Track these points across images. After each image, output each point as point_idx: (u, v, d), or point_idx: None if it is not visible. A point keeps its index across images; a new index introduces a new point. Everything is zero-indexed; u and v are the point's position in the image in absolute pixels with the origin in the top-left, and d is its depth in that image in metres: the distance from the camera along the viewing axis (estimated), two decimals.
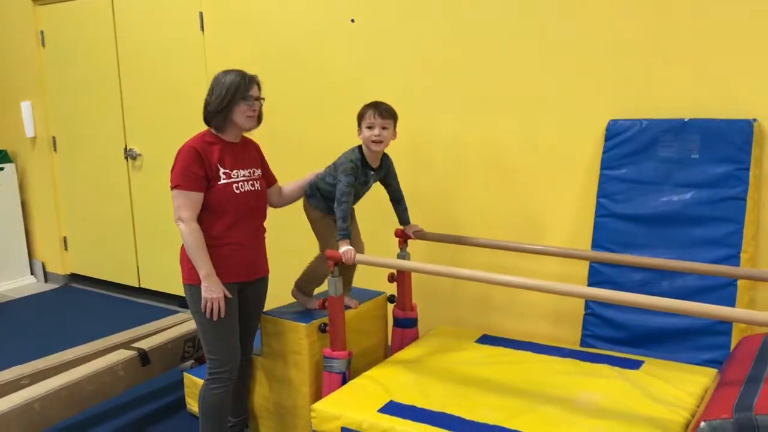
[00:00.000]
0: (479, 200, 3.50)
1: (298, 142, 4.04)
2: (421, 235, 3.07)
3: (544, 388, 2.60)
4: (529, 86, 3.28)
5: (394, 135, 2.84)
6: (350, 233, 2.77)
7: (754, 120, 2.79)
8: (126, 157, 5.09)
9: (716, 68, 2.85)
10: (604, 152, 3.09)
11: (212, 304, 2.62)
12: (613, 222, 3.06)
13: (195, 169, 2.61)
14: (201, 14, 4.40)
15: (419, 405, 2.51)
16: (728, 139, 2.81)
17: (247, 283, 2.78)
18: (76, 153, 5.42)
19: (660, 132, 2.96)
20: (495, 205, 3.46)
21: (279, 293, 3.14)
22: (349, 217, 2.80)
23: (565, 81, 3.18)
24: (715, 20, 2.83)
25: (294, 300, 3.10)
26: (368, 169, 2.84)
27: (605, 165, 3.09)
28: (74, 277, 5.73)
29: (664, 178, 2.96)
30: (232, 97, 2.62)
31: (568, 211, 3.26)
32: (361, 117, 2.81)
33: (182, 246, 2.69)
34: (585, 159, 3.18)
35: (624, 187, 3.04)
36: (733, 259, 2.80)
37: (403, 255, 3.13)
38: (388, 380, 2.73)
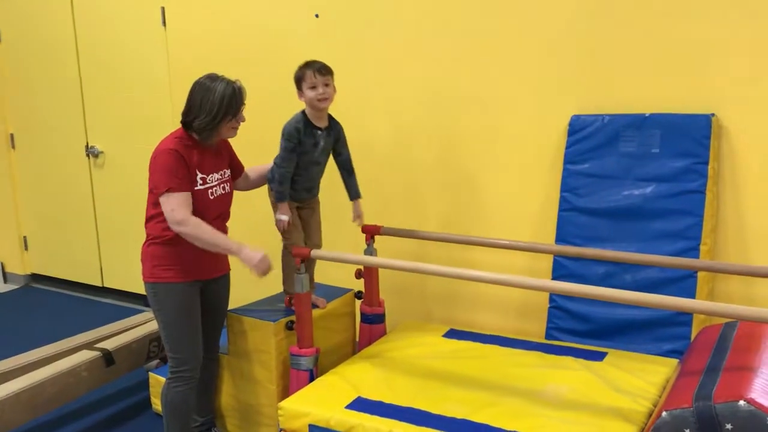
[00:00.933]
0: (444, 196, 3.51)
1: (263, 137, 4.00)
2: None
3: (510, 381, 2.63)
4: (493, 82, 3.30)
5: (335, 90, 2.81)
6: (287, 197, 2.77)
7: (713, 115, 2.84)
8: (87, 155, 5.00)
9: (676, 64, 2.90)
10: (567, 147, 3.13)
11: (263, 263, 2.56)
12: (577, 216, 3.10)
13: (181, 170, 2.55)
14: (163, 9, 4.33)
15: (387, 400, 2.51)
16: (688, 134, 2.87)
17: (209, 281, 2.77)
18: (36, 150, 5.30)
19: (621, 127, 3.01)
20: (460, 200, 3.48)
21: (245, 292, 3.12)
22: (288, 181, 2.77)
23: (529, 77, 3.21)
24: (674, 18, 2.88)
25: (259, 298, 3.09)
26: (316, 129, 2.81)
27: (568, 160, 3.13)
28: (35, 277, 5.62)
29: (626, 172, 3.01)
30: (225, 113, 2.56)
31: (532, 205, 3.29)
32: (300, 79, 2.76)
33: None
34: (549, 154, 3.21)
35: (587, 182, 3.08)
36: (693, 251, 2.86)
37: (371, 251, 3.13)
38: (356, 376, 2.73)
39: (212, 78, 2.59)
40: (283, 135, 2.76)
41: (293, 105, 3.89)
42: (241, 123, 2.67)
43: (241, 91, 2.62)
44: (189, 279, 2.66)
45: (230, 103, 2.56)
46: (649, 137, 2.96)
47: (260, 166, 3.00)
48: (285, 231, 2.83)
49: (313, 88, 2.74)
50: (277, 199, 2.77)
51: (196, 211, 2.58)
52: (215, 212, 2.70)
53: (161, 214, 2.59)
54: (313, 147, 2.83)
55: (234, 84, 2.60)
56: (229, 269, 2.89)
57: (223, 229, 2.79)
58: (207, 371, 2.92)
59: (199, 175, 2.61)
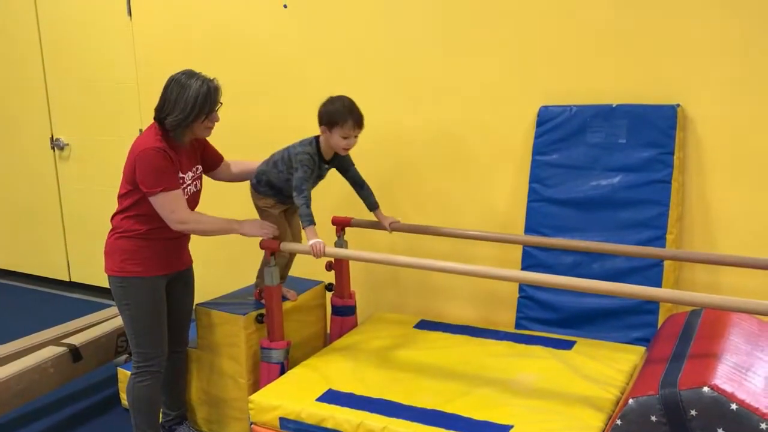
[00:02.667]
0: (414, 187, 3.51)
1: (231, 127, 3.97)
2: (397, 226, 2.98)
3: (480, 371, 2.65)
4: (461, 74, 3.31)
5: None
6: (314, 220, 2.68)
7: (678, 105, 2.88)
8: (53, 147, 4.91)
9: (642, 55, 2.93)
10: (535, 138, 3.14)
11: (267, 227, 2.66)
12: (545, 206, 3.13)
13: (171, 168, 2.53)
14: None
15: (358, 392, 2.52)
16: (653, 124, 2.90)
17: (174, 275, 2.76)
18: None
19: (589, 117, 3.03)
20: (430, 191, 3.48)
21: (212, 286, 3.10)
22: (310, 201, 2.68)
23: (497, 69, 3.22)
24: (640, 10, 2.90)
25: (228, 291, 3.06)
26: (323, 162, 2.76)
27: (537, 151, 3.15)
28: (0, 272, 5.52)
29: (593, 162, 3.04)
30: (198, 112, 2.51)
31: (502, 196, 3.31)
32: (334, 122, 2.64)
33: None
34: (518, 145, 3.23)
35: (555, 172, 3.11)
36: (660, 240, 2.90)
37: (341, 243, 3.12)
38: (327, 368, 2.73)
39: (189, 75, 2.54)
40: (302, 161, 2.67)
41: (261, 95, 3.87)
42: (216, 121, 2.63)
43: (217, 90, 2.57)
44: (157, 273, 2.65)
45: (204, 102, 2.51)
46: (616, 128, 2.98)
47: (245, 161, 2.97)
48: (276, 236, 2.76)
49: (346, 137, 2.66)
50: (307, 224, 2.65)
51: None
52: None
53: (133, 208, 2.58)
54: (317, 178, 2.79)
55: (210, 82, 2.55)
56: (192, 262, 2.89)
57: None
58: (176, 365, 2.91)
59: (179, 174, 2.60)
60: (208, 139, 2.82)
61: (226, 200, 3.29)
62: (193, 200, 2.71)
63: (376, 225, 3.02)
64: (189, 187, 2.67)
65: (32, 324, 3.86)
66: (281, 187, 2.78)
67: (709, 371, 1.98)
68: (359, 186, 2.92)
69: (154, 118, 2.59)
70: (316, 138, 2.75)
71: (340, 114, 2.64)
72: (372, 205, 2.93)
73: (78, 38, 4.59)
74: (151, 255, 2.62)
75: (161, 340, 2.70)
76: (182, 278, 2.82)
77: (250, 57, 3.89)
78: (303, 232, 2.71)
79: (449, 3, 3.28)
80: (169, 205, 2.52)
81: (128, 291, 2.62)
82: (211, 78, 2.58)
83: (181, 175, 2.61)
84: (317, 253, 2.60)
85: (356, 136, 2.70)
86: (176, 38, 4.09)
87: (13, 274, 5.43)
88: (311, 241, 2.62)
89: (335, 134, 2.66)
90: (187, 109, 2.49)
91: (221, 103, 2.63)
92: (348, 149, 2.73)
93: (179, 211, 2.54)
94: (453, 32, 3.30)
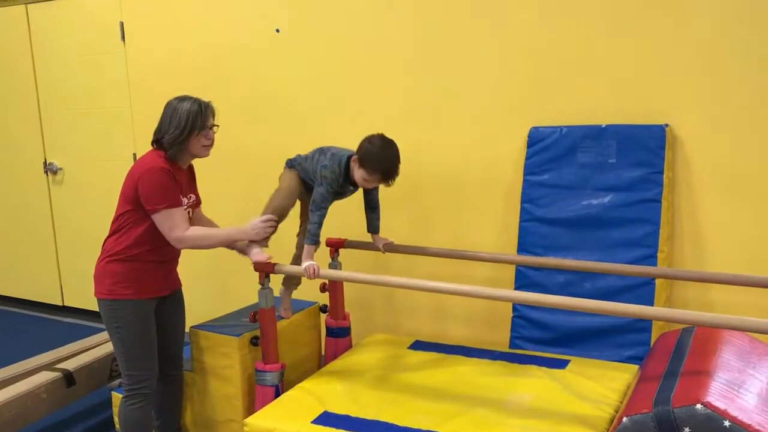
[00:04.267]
0: (407, 209, 3.53)
1: (224, 150, 3.99)
2: (390, 247, 3.00)
3: (475, 391, 2.65)
4: (453, 97, 3.34)
5: None
6: (319, 241, 2.70)
7: (666, 125, 2.92)
8: (46, 171, 4.92)
9: (630, 76, 2.98)
10: (526, 158, 3.18)
11: (263, 227, 2.67)
12: (537, 226, 3.15)
13: (174, 188, 2.57)
14: (122, 24, 4.30)
15: (353, 414, 2.51)
16: (643, 144, 2.94)
17: (164, 298, 2.76)
18: None
19: (579, 138, 3.07)
20: (422, 213, 3.50)
21: (206, 308, 3.10)
22: (322, 222, 2.70)
23: (488, 91, 3.26)
24: (629, 32, 2.96)
25: (222, 313, 3.07)
26: (348, 183, 2.74)
27: (528, 171, 3.18)
28: None
29: (584, 182, 3.07)
30: (191, 127, 2.57)
31: (494, 216, 3.33)
32: (366, 165, 2.61)
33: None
34: (509, 166, 3.26)
35: (546, 192, 3.14)
36: (651, 258, 2.93)
37: (335, 264, 3.13)
38: (322, 391, 2.72)
39: (181, 98, 2.63)
40: (325, 178, 2.66)
41: (253, 119, 3.90)
42: (212, 139, 2.66)
43: (208, 107, 2.64)
44: (147, 296, 2.65)
45: (196, 118, 2.58)
46: (606, 148, 3.02)
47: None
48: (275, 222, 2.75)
49: (367, 181, 2.66)
50: (310, 242, 2.66)
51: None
52: None
53: (127, 229, 2.60)
54: (338, 195, 2.77)
55: (201, 101, 2.63)
56: (181, 285, 2.90)
57: (177, 253, 2.77)
58: (171, 387, 2.89)
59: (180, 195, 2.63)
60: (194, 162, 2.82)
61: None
62: None
63: (371, 246, 3.03)
64: (186, 212, 2.68)
65: (25, 349, 3.84)
66: (302, 176, 2.82)
67: (702, 389, 1.99)
68: (372, 208, 2.93)
69: (152, 142, 2.64)
70: (349, 158, 2.70)
71: (375, 167, 2.61)
72: (375, 228, 2.97)
73: (71, 62, 4.61)
74: (140, 277, 2.63)
75: (152, 362, 2.70)
76: (172, 300, 2.82)
77: (243, 81, 3.92)
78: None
79: (441, 26, 3.32)
80: (170, 221, 2.56)
81: (118, 313, 2.63)
82: (206, 100, 2.65)
83: (181, 197, 2.64)
84: (311, 275, 2.62)
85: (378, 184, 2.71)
86: (169, 63, 4.12)
87: (6, 298, 5.40)
88: (305, 263, 2.64)
89: (359, 172, 2.64)
90: (180, 125, 2.56)
91: (217, 125, 2.67)
92: (366, 187, 2.75)
93: (177, 229, 2.57)
94: (444, 55, 3.34)
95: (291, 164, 2.90)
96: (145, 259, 2.62)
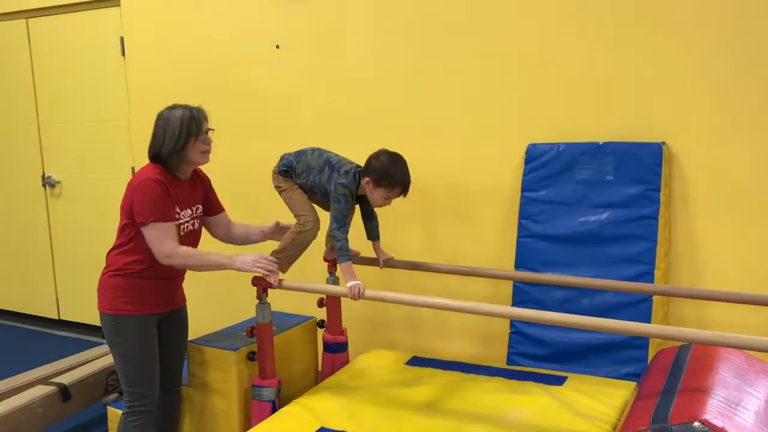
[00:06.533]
0: (406, 224, 3.54)
1: (222, 166, 4.00)
2: (390, 263, 2.98)
3: (473, 408, 2.64)
4: (451, 113, 3.36)
5: None
6: (350, 255, 2.66)
7: (663, 143, 2.94)
8: (44, 185, 4.92)
9: (628, 94, 3.00)
10: (524, 175, 3.19)
11: (266, 263, 2.59)
12: (535, 242, 3.16)
13: (168, 201, 2.53)
14: (122, 39, 4.32)
15: (350, 430, 2.50)
16: (640, 161, 2.95)
17: (167, 314, 2.73)
18: None
19: (576, 155, 3.08)
20: (420, 228, 3.51)
21: (203, 323, 3.09)
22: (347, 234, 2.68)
23: (486, 108, 3.28)
24: (627, 50, 2.98)
25: (220, 327, 3.06)
26: (354, 198, 2.74)
27: (526, 187, 3.19)
28: None
29: (582, 199, 3.08)
30: (187, 135, 2.53)
31: (492, 232, 3.34)
32: (383, 183, 2.61)
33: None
34: (507, 182, 3.27)
35: (544, 208, 3.15)
36: (648, 275, 2.93)
37: (333, 280, 3.13)
38: (319, 406, 2.71)
39: (171, 108, 2.60)
40: (343, 196, 2.66)
41: (253, 134, 3.91)
42: (210, 145, 2.62)
43: (201, 113, 2.60)
44: (149, 312, 2.63)
45: (190, 125, 2.54)
46: (603, 165, 3.03)
47: (251, 226, 2.93)
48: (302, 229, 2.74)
49: (387, 198, 2.67)
50: (344, 259, 2.63)
51: None
52: None
53: (129, 243, 2.56)
54: (342, 205, 2.72)
55: (192, 107, 2.60)
56: (185, 301, 2.86)
57: (182, 270, 2.74)
58: (169, 404, 2.87)
59: (176, 210, 2.59)
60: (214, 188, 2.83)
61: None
62: (191, 239, 2.69)
63: (369, 261, 3.03)
64: (186, 225, 2.65)
65: (20, 362, 3.83)
66: (303, 184, 2.78)
67: (700, 406, 1.99)
68: (369, 218, 2.91)
69: (149, 157, 2.60)
70: (358, 173, 2.70)
71: (395, 181, 2.62)
72: (375, 236, 2.94)
73: (71, 76, 4.64)
74: (143, 293, 2.59)
75: (153, 379, 2.67)
76: (175, 317, 2.78)
77: (243, 96, 3.94)
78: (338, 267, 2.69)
79: (439, 43, 3.35)
80: (159, 236, 2.50)
81: (120, 329, 2.60)
82: (196, 106, 2.61)
83: (177, 210, 2.60)
84: (355, 296, 2.58)
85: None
86: (169, 77, 4.14)
87: (1, 312, 5.38)
88: (350, 283, 2.59)
89: (378, 191, 2.64)
90: (175, 134, 2.52)
91: (212, 129, 2.63)
92: (385, 205, 2.73)
93: (167, 244, 2.51)
94: (442, 72, 3.36)
95: (286, 173, 2.83)
96: (148, 275, 2.58)
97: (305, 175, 2.79)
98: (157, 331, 2.68)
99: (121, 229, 2.60)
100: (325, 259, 3.10)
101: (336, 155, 2.82)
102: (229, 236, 2.91)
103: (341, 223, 2.66)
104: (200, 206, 2.75)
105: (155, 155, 2.58)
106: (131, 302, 2.59)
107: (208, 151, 2.64)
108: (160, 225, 2.50)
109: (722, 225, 2.90)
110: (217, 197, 2.85)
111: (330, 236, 2.81)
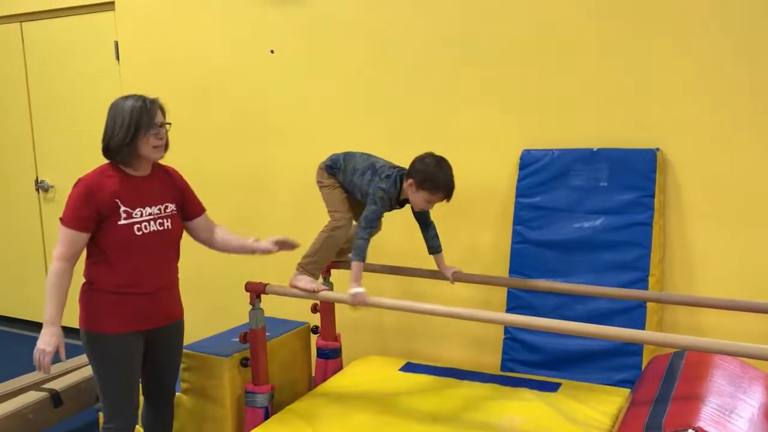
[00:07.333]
0: (399, 229, 3.53)
1: (217, 173, 3.99)
2: (459, 276, 2.86)
3: (467, 414, 2.64)
4: (446, 119, 3.36)
5: None
6: (366, 258, 2.62)
7: (657, 149, 2.94)
8: (37, 189, 4.90)
9: (622, 101, 3.01)
10: (518, 181, 3.19)
11: (41, 356, 2.34)
12: (529, 248, 3.15)
13: (83, 208, 2.35)
14: (116, 44, 4.31)
15: None
16: (634, 168, 2.96)
17: (156, 330, 2.52)
18: None
19: (571, 161, 3.08)
20: (415, 234, 3.50)
21: (196, 329, 3.07)
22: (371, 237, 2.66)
23: (480, 114, 3.28)
24: (621, 56, 2.99)
25: (213, 333, 3.04)
26: (398, 201, 2.71)
27: (520, 193, 3.19)
28: None
29: (576, 205, 3.08)
30: (137, 126, 2.35)
31: (486, 238, 3.34)
32: (426, 186, 2.58)
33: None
34: (501, 188, 3.27)
35: (538, 215, 3.15)
36: (642, 282, 2.93)
37: (327, 284, 3.12)
38: (312, 413, 2.70)
39: (125, 97, 2.45)
40: (381, 199, 2.64)
41: (248, 139, 3.90)
42: (164, 138, 2.43)
43: (155, 103, 2.44)
44: (130, 330, 2.43)
45: (140, 116, 2.36)
46: (597, 171, 3.04)
47: (234, 236, 2.71)
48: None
49: (429, 202, 2.64)
50: (360, 257, 2.59)
51: (119, 248, 2.38)
52: (148, 251, 2.43)
53: (94, 255, 2.42)
54: (378, 207, 2.70)
55: (145, 98, 2.43)
56: (182, 315, 2.65)
57: (171, 272, 2.57)
58: (162, 416, 2.72)
59: (122, 208, 2.38)
60: (191, 186, 2.67)
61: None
62: (155, 240, 2.45)
63: (431, 274, 2.96)
64: (145, 224, 2.42)
65: (12, 368, 3.80)
66: (346, 184, 2.77)
67: (694, 413, 1.99)
68: (425, 226, 2.83)
69: (102, 150, 2.45)
70: (401, 177, 2.67)
71: (438, 185, 2.58)
72: (435, 248, 2.83)
73: (65, 81, 4.62)
74: (122, 311, 2.41)
75: (128, 402, 2.49)
76: (166, 333, 2.57)
77: (237, 101, 3.93)
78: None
79: (434, 49, 3.35)
80: (61, 238, 2.36)
81: (95, 347, 2.44)
82: (152, 97, 2.46)
83: (125, 208, 2.38)
84: (357, 304, 2.56)
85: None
86: (164, 83, 4.12)
87: None
88: (354, 290, 2.54)
89: (420, 194, 2.60)
90: (125, 125, 2.36)
91: (169, 123, 2.48)
92: (427, 209, 2.71)
93: (60, 245, 2.35)
94: (438, 78, 3.36)
95: (331, 169, 2.81)
96: (126, 292, 2.40)
97: (350, 176, 2.76)
98: (144, 347, 2.51)
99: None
100: None
101: (382, 160, 2.79)
102: (210, 242, 2.70)
103: (370, 225, 2.63)
104: (170, 205, 2.52)
105: (105, 147, 2.44)
106: (107, 320, 2.42)
107: (161, 147, 2.44)
108: (64, 229, 2.37)
109: (716, 231, 2.90)
110: (196, 197, 2.66)
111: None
